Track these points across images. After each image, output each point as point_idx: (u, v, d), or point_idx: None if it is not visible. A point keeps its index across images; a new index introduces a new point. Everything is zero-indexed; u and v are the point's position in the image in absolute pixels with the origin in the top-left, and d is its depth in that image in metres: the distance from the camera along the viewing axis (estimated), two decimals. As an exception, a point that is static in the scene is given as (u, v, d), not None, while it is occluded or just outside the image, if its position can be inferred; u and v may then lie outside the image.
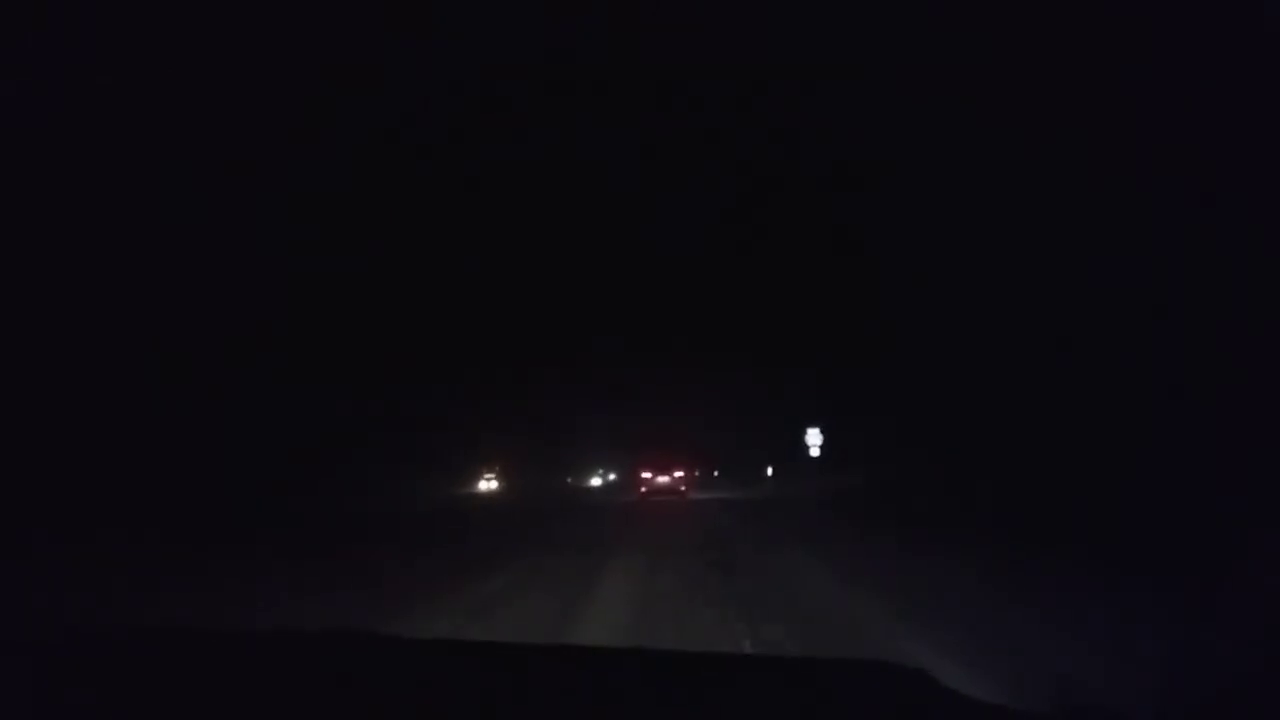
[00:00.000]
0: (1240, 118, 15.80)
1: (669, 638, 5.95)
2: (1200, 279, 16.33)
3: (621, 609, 7.61)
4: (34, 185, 23.33)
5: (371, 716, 1.51)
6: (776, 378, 48.95)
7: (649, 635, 6.04)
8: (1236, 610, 5.65)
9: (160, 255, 27.02)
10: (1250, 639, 4.70)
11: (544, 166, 56.27)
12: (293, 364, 33.75)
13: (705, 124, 51.87)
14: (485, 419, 58.90)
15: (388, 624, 3.69)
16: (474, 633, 6.47)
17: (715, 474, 63.21)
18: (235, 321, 30.26)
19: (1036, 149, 22.08)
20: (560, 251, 67.71)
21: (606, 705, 1.57)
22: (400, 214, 48.97)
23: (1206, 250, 16.39)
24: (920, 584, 8.82)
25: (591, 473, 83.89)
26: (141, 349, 26.35)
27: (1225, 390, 14.71)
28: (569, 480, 77.19)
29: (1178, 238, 17.15)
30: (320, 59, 35.30)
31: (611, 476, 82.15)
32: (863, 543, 14.45)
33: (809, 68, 36.90)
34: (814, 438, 37.39)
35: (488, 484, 58.61)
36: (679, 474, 34.37)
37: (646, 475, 34.34)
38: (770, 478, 47.21)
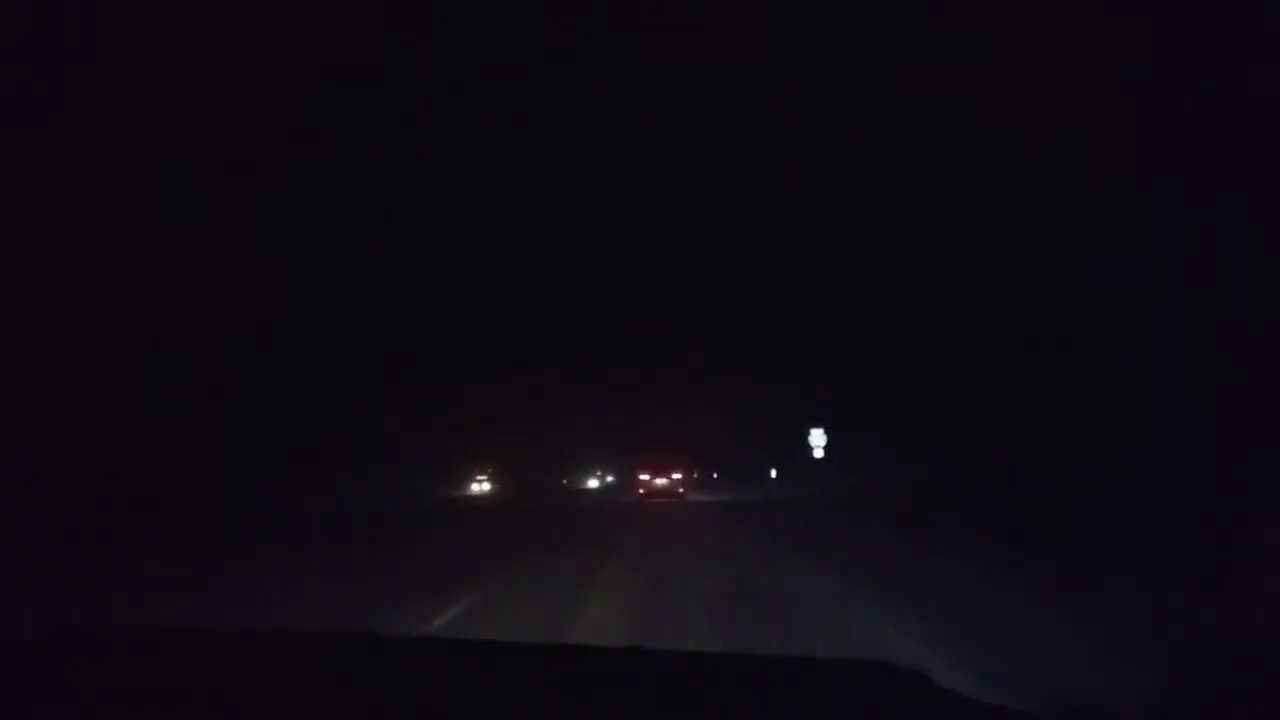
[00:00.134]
0: (1240, 118, 15.80)
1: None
2: (1200, 279, 16.33)
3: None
4: (34, 185, 23.34)
5: (369, 716, 1.51)
6: (778, 378, 49.01)
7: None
8: (1236, 610, 5.65)
9: (160, 255, 27.04)
10: (1250, 639, 4.71)
11: (544, 166, 56.30)
12: (293, 364, 33.78)
13: (705, 124, 51.91)
14: (483, 419, 58.82)
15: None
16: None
17: (715, 475, 62.93)
18: (235, 321, 30.28)
19: (1036, 149, 22.11)
20: (560, 251, 67.81)
21: (605, 705, 1.57)
22: (400, 214, 49.04)
23: (1206, 250, 16.40)
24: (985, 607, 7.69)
25: (589, 474, 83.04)
26: (141, 349, 26.36)
27: (1225, 390, 14.71)
28: (564, 482, 76.29)
29: (1178, 238, 17.16)
30: (320, 59, 35.38)
31: (609, 478, 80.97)
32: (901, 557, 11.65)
33: (809, 68, 36.94)
34: (817, 438, 36.57)
35: (480, 486, 57.50)
36: (677, 476, 34.16)
37: (644, 477, 34.21)
38: (774, 479, 46.79)
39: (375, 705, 1.57)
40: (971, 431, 24.69)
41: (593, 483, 79.03)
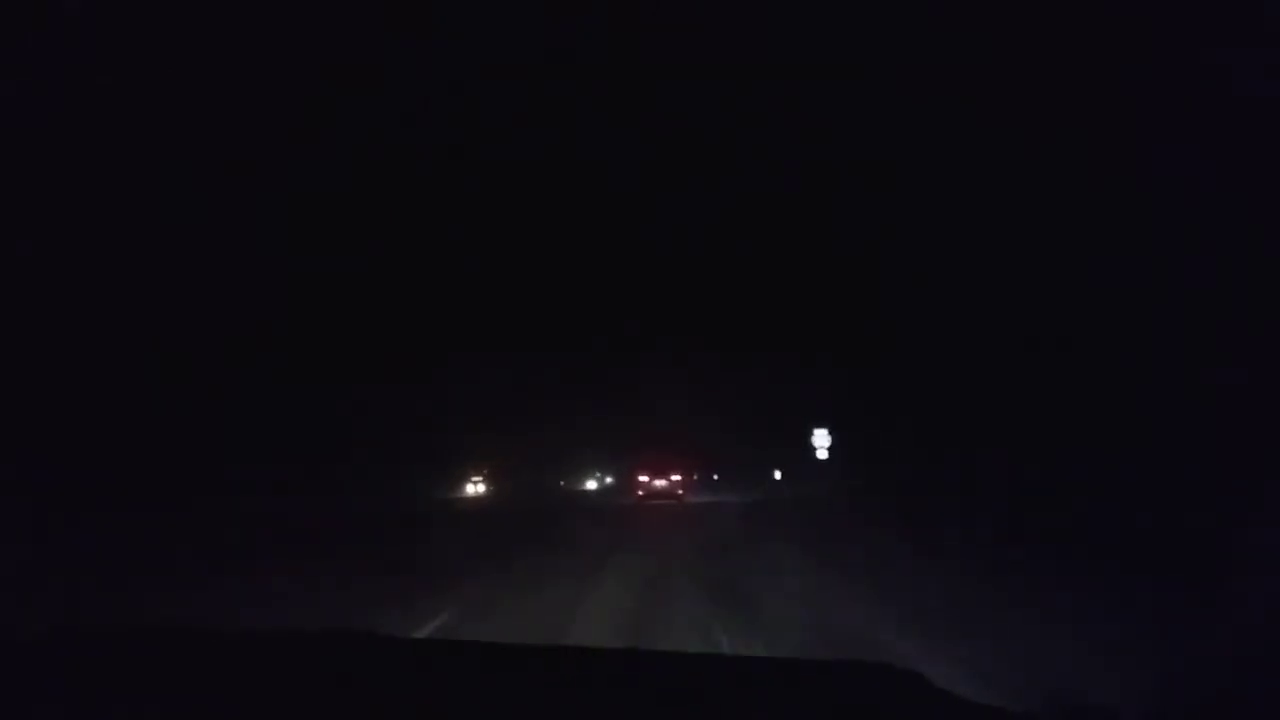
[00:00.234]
0: (1240, 118, 15.80)
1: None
2: (1200, 279, 16.33)
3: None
4: (34, 185, 23.35)
5: (368, 717, 1.51)
6: (778, 378, 49.02)
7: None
8: (1236, 610, 5.65)
9: (160, 255, 27.04)
10: (1250, 639, 4.71)
11: (544, 166, 56.35)
12: (292, 364, 33.78)
13: (705, 124, 51.95)
14: (481, 419, 58.63)
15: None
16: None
17: (715, 477, 62.51)
18: (235, 321, 30.27)
19: (1036, 149, 22.11)
20: (560, 251, 67.87)
21: (603, 706, 1.57)
22: (400, 214, 49.07)
23: (1206, 250, 16.40)
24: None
25: (587, 475, 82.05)
26: (141, 349, 26.36)
27: (1225, 390, 14.71)
28: (562, 483, 75.20)
29: (1178, 238, 17.16)
30: (320, 59, 35.40)
31: (609, 479, 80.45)
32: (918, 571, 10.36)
33: (809, 68, 36.97)
34: (821, 439, 35.92)
35: (475, 487, 56.14)
36: (676, 477, 34.06)
37: (644, 479, 34.14)
38: (778, 481, 46.00)
39: (374, 706, 1.57)
40: (971, 431, 24.68)
41: (591, 484, 78.12)
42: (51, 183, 24.09)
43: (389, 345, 44.40)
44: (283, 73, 33.36)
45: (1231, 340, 15.15)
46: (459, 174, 55.44)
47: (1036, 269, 21.83)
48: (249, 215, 32.08)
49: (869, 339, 33.85)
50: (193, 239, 28.37)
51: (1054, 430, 19.76)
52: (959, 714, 1.53)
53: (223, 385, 29.39)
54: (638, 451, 39.72)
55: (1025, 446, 20.95)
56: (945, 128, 29.45)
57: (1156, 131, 18.08)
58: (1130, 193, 18.78)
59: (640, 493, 33.54)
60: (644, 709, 1.56)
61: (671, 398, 61.49)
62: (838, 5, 31.98)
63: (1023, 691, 4.18)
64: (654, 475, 33.96)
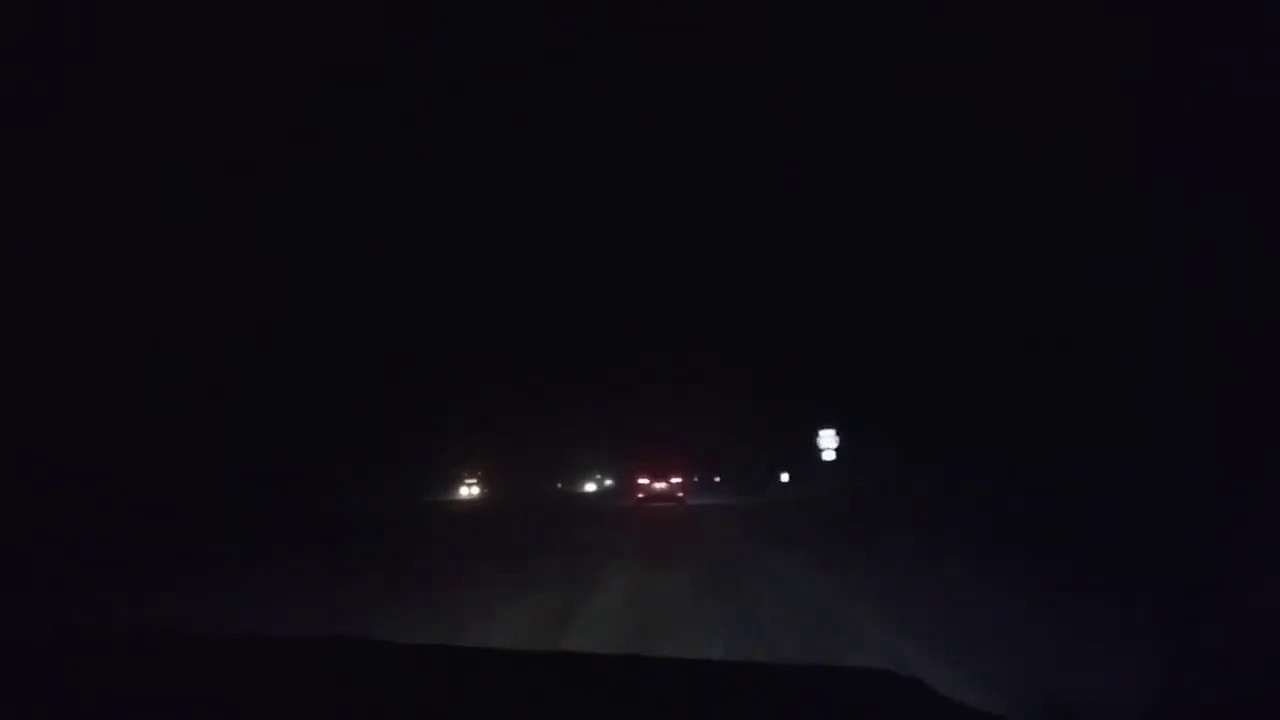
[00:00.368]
0: (1240, 118, 15.81)
1: None
2: (1200, 279, 16.34)
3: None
4: (34, 185, 23.36)
5: None
6: (779, 378, 49.04)
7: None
8: (1236, 611, 5.65)
9: (160, 255, 27.05)
10: (1250, 640, 4.71)
11: (544, 166, 56.37)
12: (293, 364, 33.79)
13: (705, 124, 51.97)
14: (481, 419, 58.50)
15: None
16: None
17: (716, 479, 62.14)
18: (235, 321, 30.28)
19: (1036, 149, 22.12)
20: (560, 251, 67.89)
21: (604, 712, 1.57)
22: (400, 214, 49.09)
23: (1206, 250, 16.41)
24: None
25: (586, 477, 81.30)
26: (142, 349, 26.37)
27: (1225, 390, 14.71)
28: (559, 485, 74.57)
29: (1178, 238, 17.17)
30: (320, 59, 35.40)
31: (608, 482, 79.96)
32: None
33: (809, 68, 36.98)
34: (827, 439, 35.14)
35: (469, 490, 55.12)
36: (676, 480, 33.92)
37: (643, 481, 34.01)
38: (786, 484, 44.81)
39: (373, 711, 1.57)
40: (972, 432, 24.69)
41: (590, 486, 76.79)
42: (51, 183, 24.11)
43: (388, 345, 44.43)
44: (283, 73, 33.37)
45: (1231, 340, 15.16)
46: (459, 174, 55.44)
47: (1036, 269, 21.84)
48: (249, 215, 32.11)
49: (869, 339, 33.87)
50: (193, 239, 28.40)
51: (1054, 430, 19.76)
52: (958, 719, 1.53)
53: (223, 385, 29.40)
54: (637, 453, 39.63)
55: (1025, 446, 20.96)
56: (945, 128, 29.46)
57: (1156, 131, 18.09)
58: (1130, 193, 18.79)
59: (640, 495, 33.43)
60: (645, 715, 1.56)
61: (671, 398, 61.53)
62: (838, 5, 31.99)
63: (1023, 696, 4.18)
64: (653, 477, 33.85)
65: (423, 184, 49.91)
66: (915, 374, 29.21)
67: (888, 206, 33.52)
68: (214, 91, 30.15)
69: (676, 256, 71.63)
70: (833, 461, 35.01)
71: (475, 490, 54.98)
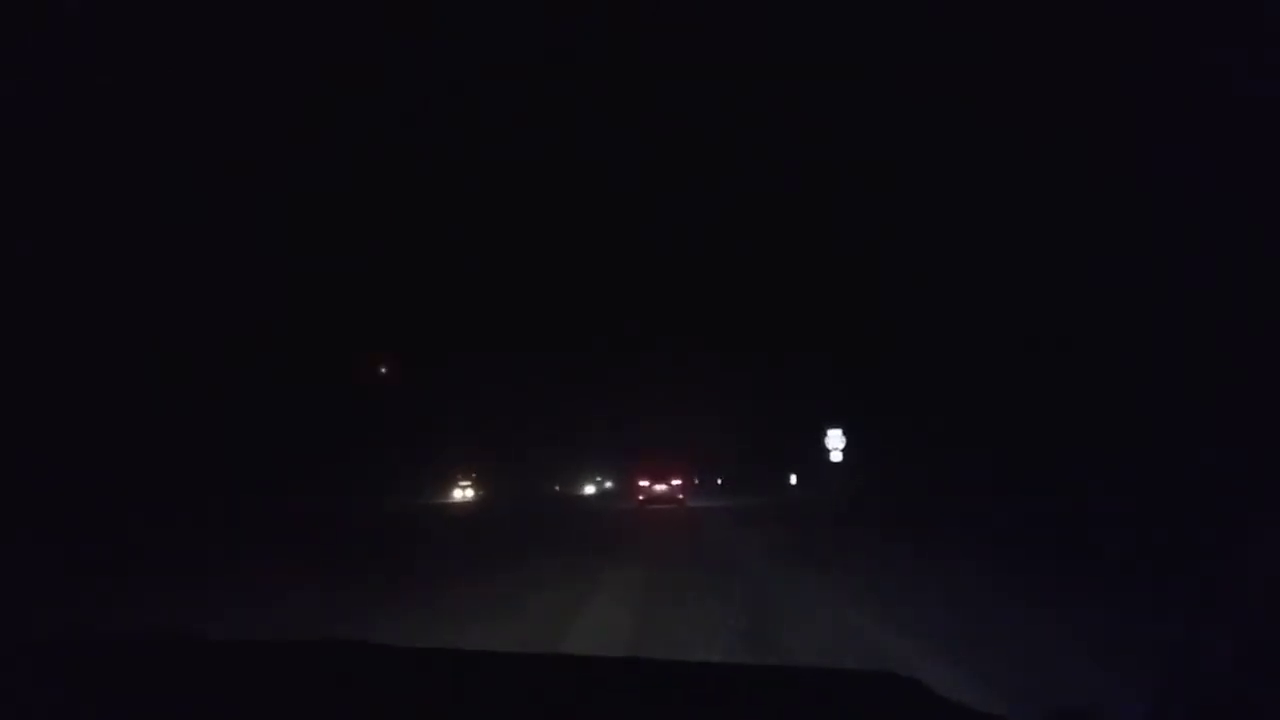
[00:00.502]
0: (1240, 118, 15.81)
1: None
2: (1200, 279, 16.34)
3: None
4: (34, 185, 23.36)
5: None
6: (780, 379, 49.05)
7: None
8: (1237, 612, 5.64)
9: (160, 255, 27.06)
10: (1251, 641, 4.70)
11: (544, 166, 56.41)
12: (293, 364, 33.80)
13: (705, 124, 52.02)
14: (480, 419, 58.43)
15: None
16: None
17: (719, 481, 61.81)
18: (235, 321, 30.30)
19: (1036, 149, 22.13)
20: (560, 251, 67.94)
21: (603, 715, 1.57)
22: (400, 214, 49.13)
23: (1206, 250, 16.41)
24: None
25: (586, 479, 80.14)
26: (142, 349, 26.38)
27: (1225, 390, 14.72)
28: (557, 488, 73.45)
29: (1178, 238, 17.17)
30: (320, 59, 35.43)
31: (608, 484, 79.00)
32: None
33: (809, 68, 37.01)
34: (835, 440, 33.55)
35: (463, 492, 53.48)
36: (676, 482, 33.76)
37: (644, 483, 33.83)
38: (795, 486, 43.56)
39: (372, 715, 1.56)
40: (971, 432, 24.69)
41: (589, 489, 75.51)
42: (51, 183, 24.12)
43: (388, 345, 44.46)
44: (283, 73, 33.40)
45: (1231, 340, 15.17)
46: (459, 174, 55.49)
47: (1036, 269, 21.85)
48: (249, 215, 32.13)
49: (869, 339, 33.88)
50: (193, 239, 28.41)
51: (1054, 430, 19.77)
52: None
53: (223, 385, 29.41)
54: (637, 455, 39.53)
55: (1026, 446, 20.97)
56: (945, 128, 29.49)
57: (1156, 131, 18.10)
58: (1130, 193, 18.80)
59: (640, 497, 33.33)
60: (645, 718, 1.56)
61: (672, 399, 61.56)
62: (838, 5, 32.02)
63: (1022, 698, 4.18)
64: (654, 479, 33.74)
65: (423, 184, 49.96)
66: (915, 374, 29.23)
67: (888, 206, 33.55)
68: (214, 91, 30.18)
69: (676, 256, 71.72)
70: (840, 463, 34.03)
71: (469, 493, 53.73)
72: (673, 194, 64.46)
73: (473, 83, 44.46)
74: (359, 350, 42.37)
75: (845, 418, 34.04)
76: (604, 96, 54.77)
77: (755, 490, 44.74)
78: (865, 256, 35.47)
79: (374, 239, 48.66)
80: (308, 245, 36.49)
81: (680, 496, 33.28)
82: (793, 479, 44.58)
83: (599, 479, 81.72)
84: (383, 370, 45.92)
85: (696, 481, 46.93)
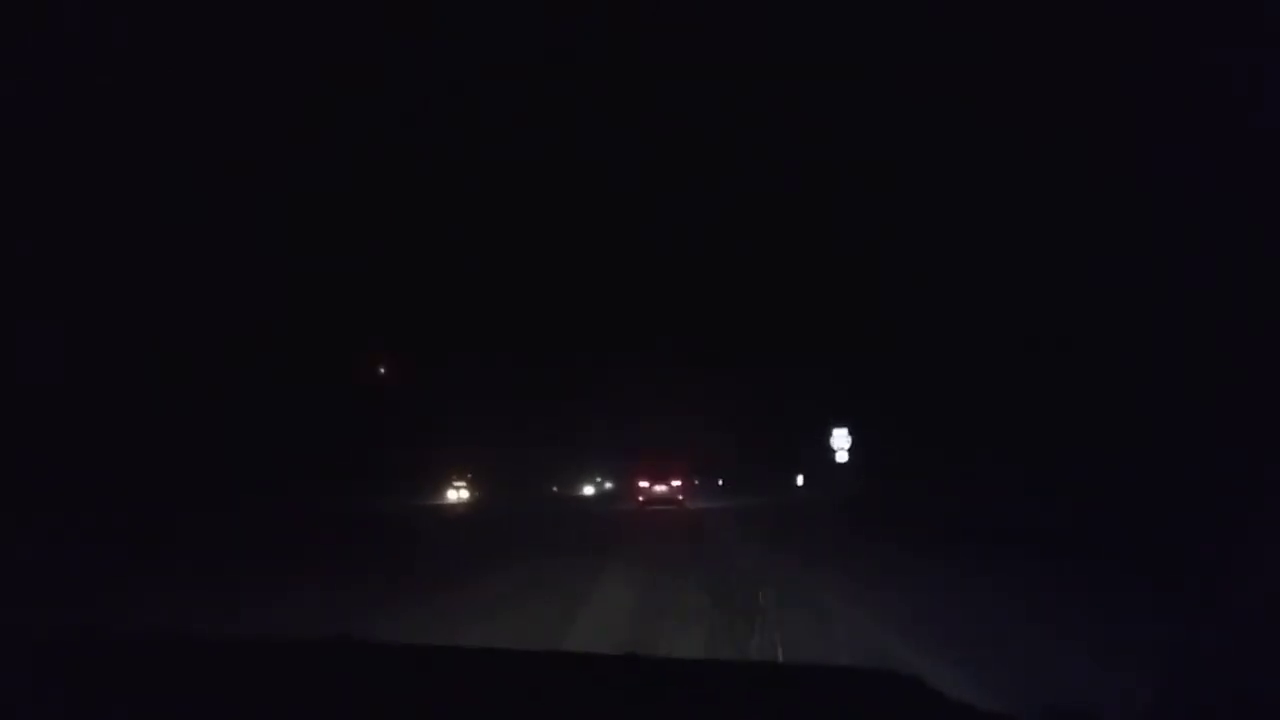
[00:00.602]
0: (1240, 118, 15.80)
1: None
2: (1200, 279, 16.33)
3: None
4: (34, 185, 23.36)
5: None
6: (781, 380, 49.01)
7: None
8: (1236, 613, 5.64)
9: (160, 255, 27.05)
10: (1251, 642, 4.70)
11: (544, 166, 56.41)
12: (293, 364, 33.79)
13: (705, 124, 52.01)
14: (479, 420, 58.26)
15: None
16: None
17: (720, 483, 61.50)
18: (235, 321, 30.28)
19: (1036, 149, 22.12)
20: (560, 251, 67.94)
21: (602, 711, 1.57)
22: (400, 214, 49.14)
23: (1206, 250, 16.40)
24: None
25: (585, 480, 78.57)
26: (142, 349, 26.37)
27: (1225, 390, 14.71)
28: (555, 489, 72.09)
29: (1178, 238, 17.16)
30: (320, 59, 35.42)
31: (608, 485, 77.95)
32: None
33: (809, 68, 37.01)
34: (840, 440, 32.93)
35: (457, 493, 51.87)
36: (676, 483, 33.65)
37: (643, 484, 33.68)
38: (801, 487, 42.25)
39: (373, 712, 1.57)
40: (971, 432, 24.68)
41: (589, 489, 74.46)
42: (51, 183, 24.11)
43: (388, 345, 44.46)
44: (283, 73, 33.39)
45: (1231, 340, 15.16)
46: (459, 174, 55.49)
47: (1036, 269, 21.83)
48: (249, 215, 32.12)
49: (869, 339, 33.86)
50: (193, 239, 28.41)
51: (1054, 430, 19.76)
52: (959, 718, 1.53)
53: (223, 385, 29.40)
54: (636, 456, 39.44)
55: (1025, 446, 20.95)
56: (945, 128, 29.48)
57: (1156, 131, 18.08)
58: (1130, 193, 18.79)
59: (640, 498, 33.24)
60: (645, 715, 1.56)
61: (672, 399, 61.46)
62: (838, 5, 32.02)
63: (1022, 695, 4.18)
64: (654, 480, 33.65)
65: (423, 184, 49.95)
66: (915, 374, 29.21)
67: (888, 206, 33.53)
68: (214, 91, 30.18)
69: (676, 256, 71.71)
70: (846, 463, 33.14)
71: (464, 494, 52.27)
72: (673, 194, 64.49)
73: (473, 83, 44.49)
74: (359, 350, 42.39)
75: (849, 417, 33.77)
76: (604, 96, 54.79)
77: (757, 491, 44.22)
78: (865, 256, 35.47)
79: (374, 239, 48.67)
80: (308, 245, 36.50)
81: (680, 497, 33.21)
82: (799, 480, 43.71)
83: (598, 479, 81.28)
84: (382, 370, 45.92)
85: (696, 482, 46.83)
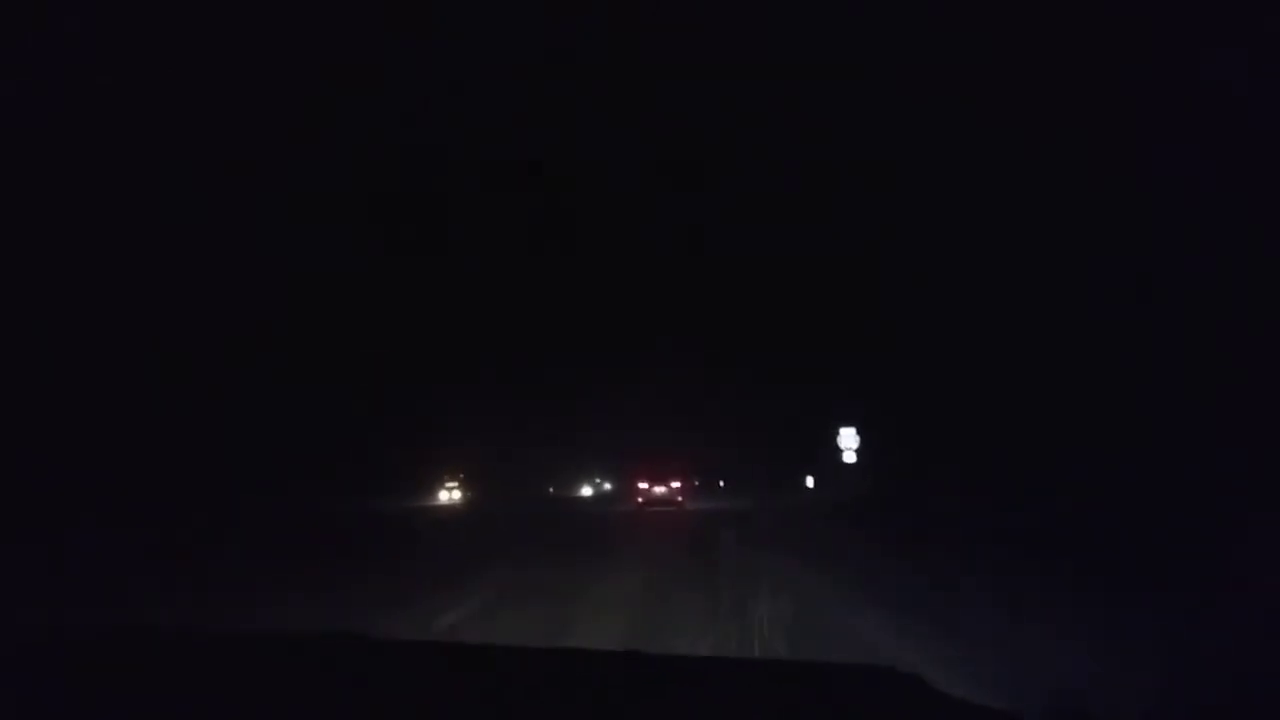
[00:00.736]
0: (1240, 118, 15.80)
1: None
2: (1200, 279, 16.33)
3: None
4: (34, 185, 23.36)
5: (367, 718, 1.51)
6: (781, 380, 49.04)
7: None
8: (1237, 612, 5.65)
9: (160, 255, 27.07)
10: (1251, 642, 4.71)
11: (544, 166, 56.40)
12: (293, 364, 33.80)
13: (705, 124, 51.99)
14: (478, 420, 58.18)
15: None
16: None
17: (721, 483, 61.15)
18: (235, 321, 30.31)
19: (1036, 149, 22.12)
20: (560, 252, 67.98)
21: (602, 708, 1.57)
22: (400, 214, 49.15)
23: (1206, 250, 16.40)
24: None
25: (584, 481, 77.54)
26: (142, 349, 26.38)
27: (1225, 390, 14.71)
28: (551, 490, 71.11)
29: (1178, 238, 17.16)
30: (320, 59, 35.41)
31: (607, 486, 77.42)
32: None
33: (809, 68, 37.01)
34: (848, 439, 32.14)
35: (449, 494, 50.88)
36: (676, 484, 33.54)
37: (643, 485, 33.53)
38: (812, 488, 40.65)
39: (373, 708, 1.57)
40: (971, 432, 24.68)
41: (587, 490, 73.55)
42: (51, 183, 24.11)
43: (384, 346, 44.46)
44: (283, 73, 33.39)
45: (1231, 340, 15.16)
46: (459, 174, 55.52)
47: (1036, 269, 21.84)
48: (249, 215, 32.13)
49: (869, 339, 33.87)
50: (193, 239, 28.42)
51: (1054, 430, 19.76)
52: (959, 716, 1.53)
53: (223, 385, 29.40)
54: (636, 457, 39.38)
55: (1025, 446, 20.94)
56: (945, 128, 29.50)
57: (1156, 131, 18.09)
58: (1130, 193, 18.79)
59: (640, 500, 33.17)
60: (645, 712, 1.56)
61: (672, 399, 61.46)
62: (838, 5, 32.01)
63: (1023, 693, 4.18)
64: (653, 482, 33.58)
65: (423, 184, 49.95)
66: (915, 374, 29.21)
67: (888, 206, 33.55)
68: (214, 91, 30.18)
69: (676, 256, 71.72)
70: (855, 463, 32.40)
71: (456, 495, 51.00)
72: (673, 194, 64.51)
73: (473, 83, 44.47)
74: (359, 350, 42.39)
75: (853, 418, 33.56)
76: (604, 96, 54.77)
77: (761, 493, 43.03)
78: (865, 256, 35.47)
79: (374, 239, 48.68)
80: (308, 245, 36.51)
81: (679, 499, 33.17)
82: (809, 481, 42.06)
83: (597, 480, 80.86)
84: (382, 371, 45.87)
85: (696, 483, 46.75)
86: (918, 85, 31.59)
